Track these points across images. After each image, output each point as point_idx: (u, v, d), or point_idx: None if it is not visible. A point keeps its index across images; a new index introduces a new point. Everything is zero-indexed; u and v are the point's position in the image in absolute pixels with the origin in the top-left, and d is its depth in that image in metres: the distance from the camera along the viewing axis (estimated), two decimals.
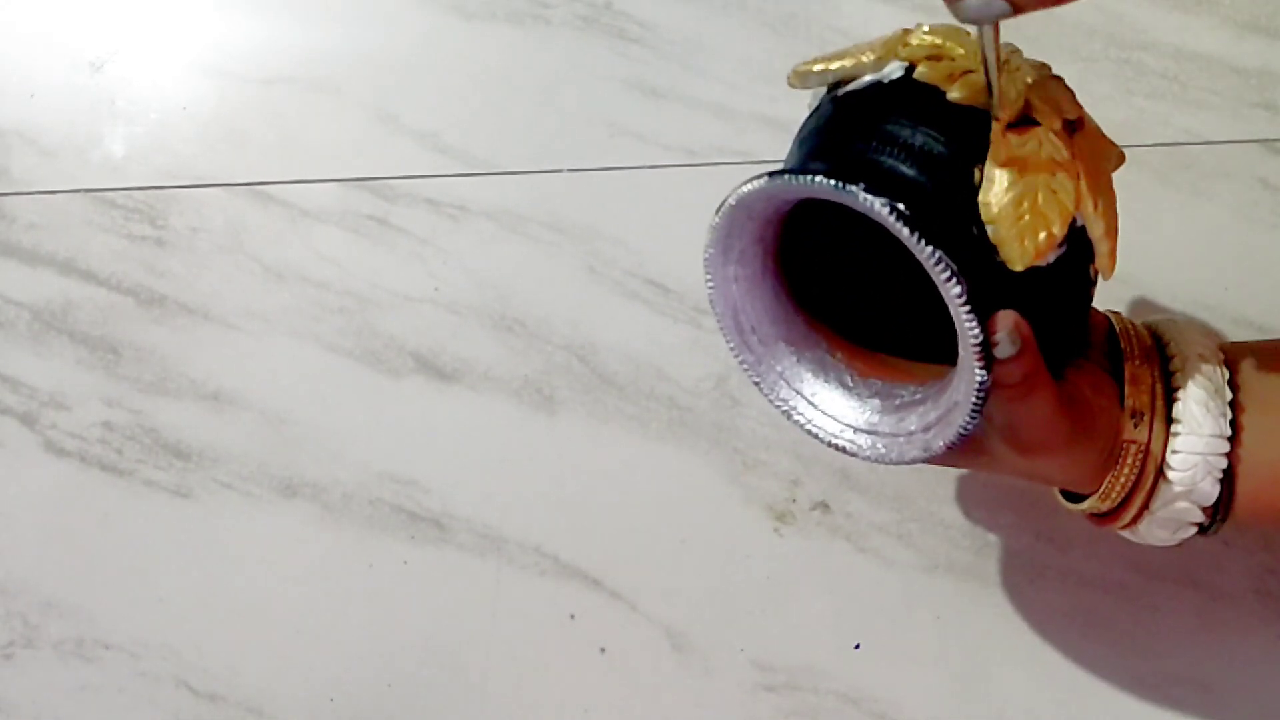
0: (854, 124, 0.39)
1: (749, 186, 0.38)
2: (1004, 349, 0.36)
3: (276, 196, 0.60)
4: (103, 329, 0.57)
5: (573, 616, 0.53)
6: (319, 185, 0.60)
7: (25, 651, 0.53)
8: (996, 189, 0.36)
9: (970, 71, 0.38)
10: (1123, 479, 0.40)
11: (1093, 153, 0.39)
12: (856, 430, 0.42)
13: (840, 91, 0.40)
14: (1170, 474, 0.39)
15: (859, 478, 0.54)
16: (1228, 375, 0.40)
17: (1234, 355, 0.41)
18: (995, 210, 0.36)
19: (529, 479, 0.55)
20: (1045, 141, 0.37)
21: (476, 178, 0.60)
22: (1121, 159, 0.41)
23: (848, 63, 0.40)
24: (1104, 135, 0.40)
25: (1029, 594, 0.52)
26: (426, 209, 0.59)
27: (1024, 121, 0.38)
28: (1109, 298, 0.55)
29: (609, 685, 0.52)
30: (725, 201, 0.39)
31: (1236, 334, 0.55)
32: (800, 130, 0.41)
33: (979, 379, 0.36)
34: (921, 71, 0.38)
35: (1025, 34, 0.58)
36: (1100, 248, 0.38)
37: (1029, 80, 0.39)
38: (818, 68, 0.40)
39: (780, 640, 0.52)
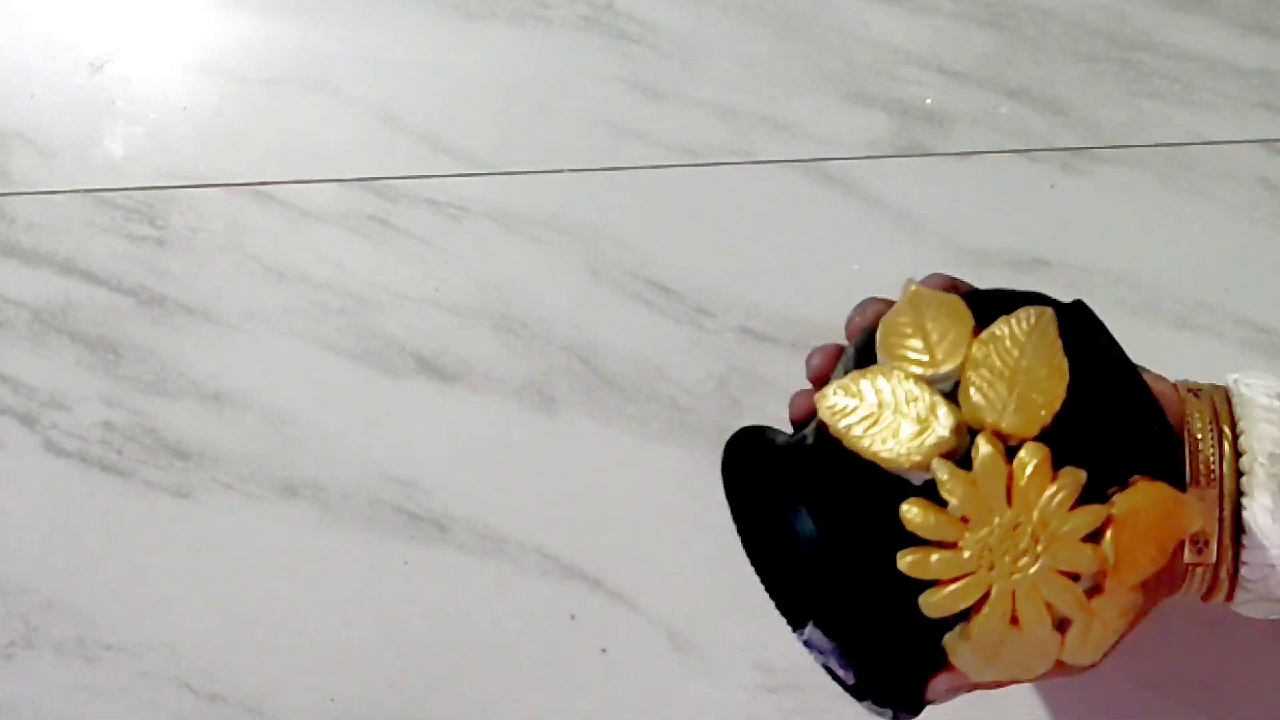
0: None
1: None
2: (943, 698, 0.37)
3: (276, 196, 0.60)
4: (103, 329, 0.57)
5: (573, 617, 0.53)
6: (319, 185, 0.60)
7: (25, 651, 0.53)
8: None
9: None
10: (1193, 589, 0.38)
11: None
12: None
13: None
14: (1244, 583, 0.37)
15: None
16: None
17: None
18: None
19: (530, 479, 0.55)
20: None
21: (477, 178, 0.59)
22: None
23: None
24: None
25: None
26: (427, 209, 0.59)
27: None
28: (1108, 298, 0.55)
29: (609, 686, 0.52)
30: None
31: (1236, 334, 0.55)
32: None
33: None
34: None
35: (1026, 35, 0.59)
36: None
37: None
38: None
39: (781, 641, 0.52)
